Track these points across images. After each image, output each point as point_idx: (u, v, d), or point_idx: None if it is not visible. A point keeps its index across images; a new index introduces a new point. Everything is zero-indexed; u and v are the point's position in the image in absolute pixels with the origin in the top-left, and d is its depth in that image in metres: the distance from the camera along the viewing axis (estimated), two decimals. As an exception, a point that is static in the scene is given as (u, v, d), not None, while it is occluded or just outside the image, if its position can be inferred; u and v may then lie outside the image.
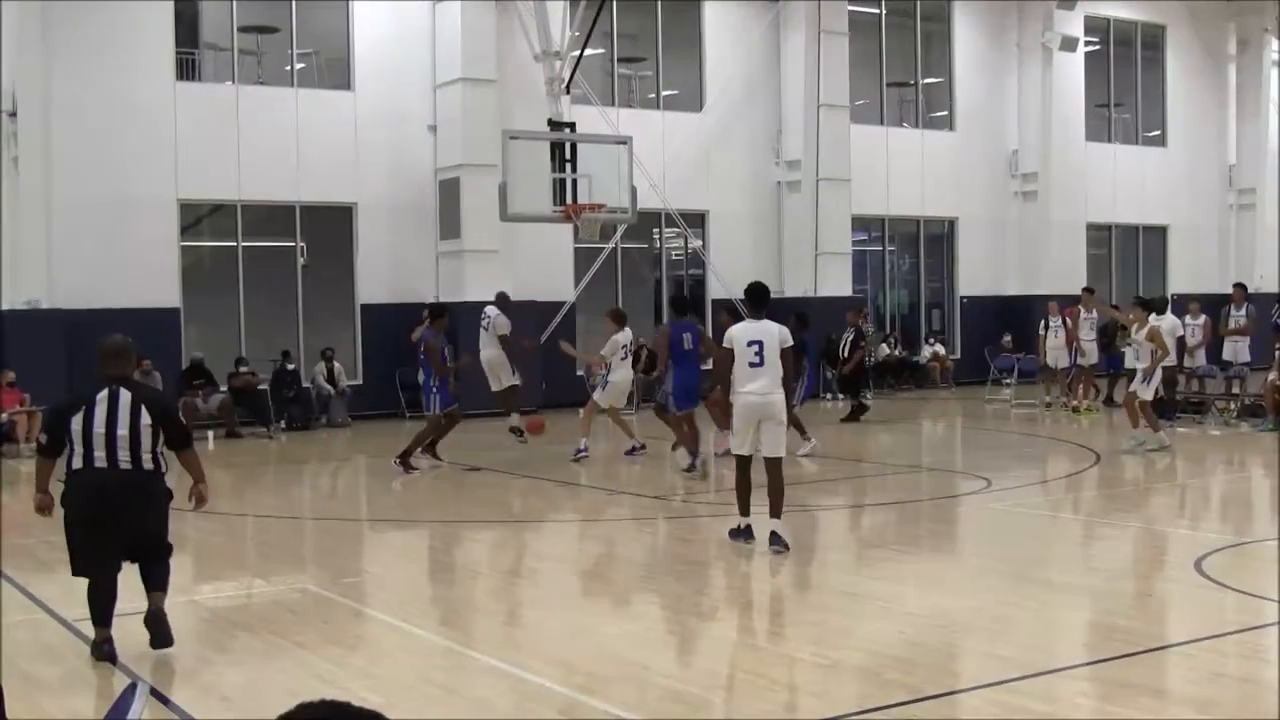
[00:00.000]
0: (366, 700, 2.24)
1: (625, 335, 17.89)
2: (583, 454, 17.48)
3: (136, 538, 8.10)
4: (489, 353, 18.66)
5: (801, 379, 18.99)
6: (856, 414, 23.12)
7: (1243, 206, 35.99)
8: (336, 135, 24.07)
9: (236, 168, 23.09)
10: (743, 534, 11.40)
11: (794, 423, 17.89)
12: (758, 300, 11.66)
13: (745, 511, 11.45)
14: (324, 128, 23.99)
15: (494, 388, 18.84)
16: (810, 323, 20.63)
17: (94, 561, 8.04)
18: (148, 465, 8.03)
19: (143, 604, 8.12)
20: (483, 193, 22.84)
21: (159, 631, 7.99)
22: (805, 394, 20.01)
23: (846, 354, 23.58)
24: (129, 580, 8.24)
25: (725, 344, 11.44)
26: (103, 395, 7.99)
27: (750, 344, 11.21)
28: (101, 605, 7.98)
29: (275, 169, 23.50)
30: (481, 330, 18.84)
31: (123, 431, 7.94)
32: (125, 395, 8.02)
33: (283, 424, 22.93)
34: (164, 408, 8.33)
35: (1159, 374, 18.23)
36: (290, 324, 24.29)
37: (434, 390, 17.17)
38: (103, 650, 7.91)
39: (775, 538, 11.03)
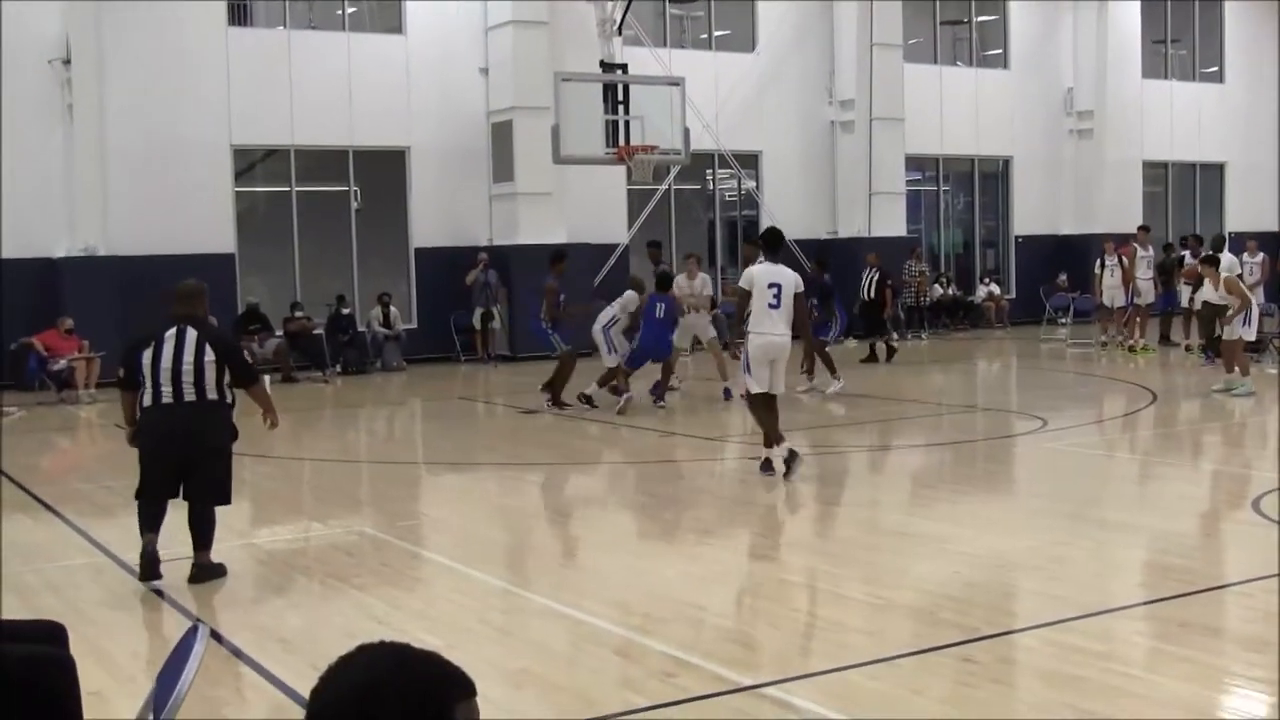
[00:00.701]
0: (424, 642, 2.27)
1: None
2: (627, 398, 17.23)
3: (196, 464, 8.42)
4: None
5: (834, 321, 19.01)
6: (877, 355, 22.81)
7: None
8: (388, 79, 24.08)
9: (289, 113, 23.15)
10: (769, 466, 11.75)
11: (825, 362, 17.94)
12: (774, 245, 11.89)
13: (777, 440, 11.68)
14: (376, 72, 23.99)
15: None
16: (830, 265, 20.43)
17: (150, 486, 8.44)
18: (211, 396, 8.33)
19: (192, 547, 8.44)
20: (535, 135, 22.79)
21: (204, 579, 8.44)
22: (839, 333, 19.95)
23: (871, 295, 23.26)
24: (177, 522, 8.41)
25: (743, 284, 11.68)
26: (170, 333, 8.34)
27: (770, 286, 11.43)
28: (150, 514, 8.36)
29: (328, 114, 23.54)
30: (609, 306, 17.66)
31: (187, 366, 8.26)
32: (191, 333, 8.35)
33: (338, 368, 23.07)
34: (227, 345, 8.65)
35: (1255, 312, 18.14)
36: (345, 269, 24.42)
37: (550, 331, 17.09)
38: (148, 555, 8.25)
39: (793, 454, 11.54)
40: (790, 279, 11.54)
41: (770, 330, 11.43)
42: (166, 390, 8.27)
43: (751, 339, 11.59)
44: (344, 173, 24.22)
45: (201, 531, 8.44)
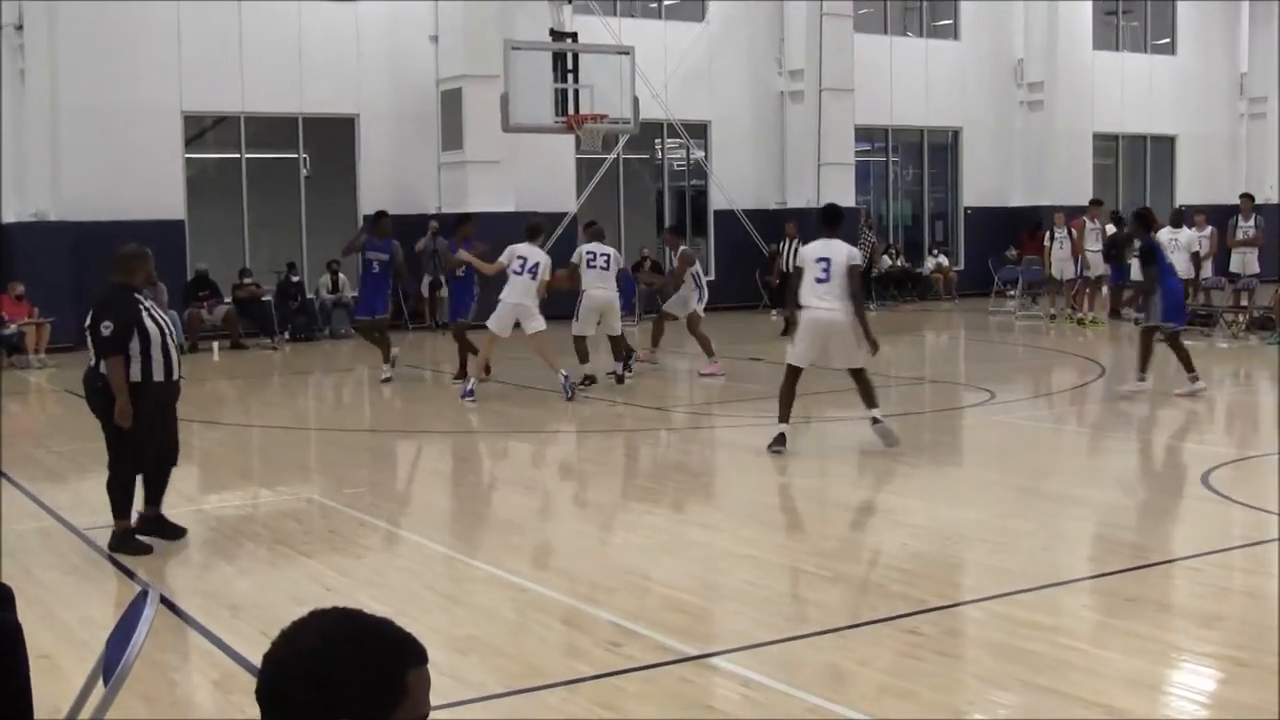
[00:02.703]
0: (371, 608, 2.24)
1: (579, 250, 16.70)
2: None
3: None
4: (601, 293, 16.27)
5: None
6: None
7: (1254, 115, 35.57)
8: (338, 46, 23.86)
9: (240, 79, 22.91)
10: (780, 441, 11.54)
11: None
12: (831, 220, 11.98)
13: (786, 418, 11.65)
14: (325, 39, 23.77)
15: (583, 331, 16.40)
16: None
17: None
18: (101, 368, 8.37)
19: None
20: (485, 103, 22.67)
21: (170, 527, 8.63)
22: None
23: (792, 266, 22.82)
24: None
25: (799, 262, 11.82)
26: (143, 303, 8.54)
27: (818, 260, 11.45)
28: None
29: (278, 80, 23.33)
30: (590, 269, 16.25)
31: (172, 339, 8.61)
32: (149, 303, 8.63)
33: (286, 335, 22.94)
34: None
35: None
36: (294, 235, 24.25)
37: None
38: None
39: (877, 421, 11.63)
40: (843, 253, 11.53)
41: (818, 304, 11.40)
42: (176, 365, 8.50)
43: (802, 314, 11.62)
44: (293, 139, 24.02)
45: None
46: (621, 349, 16.62)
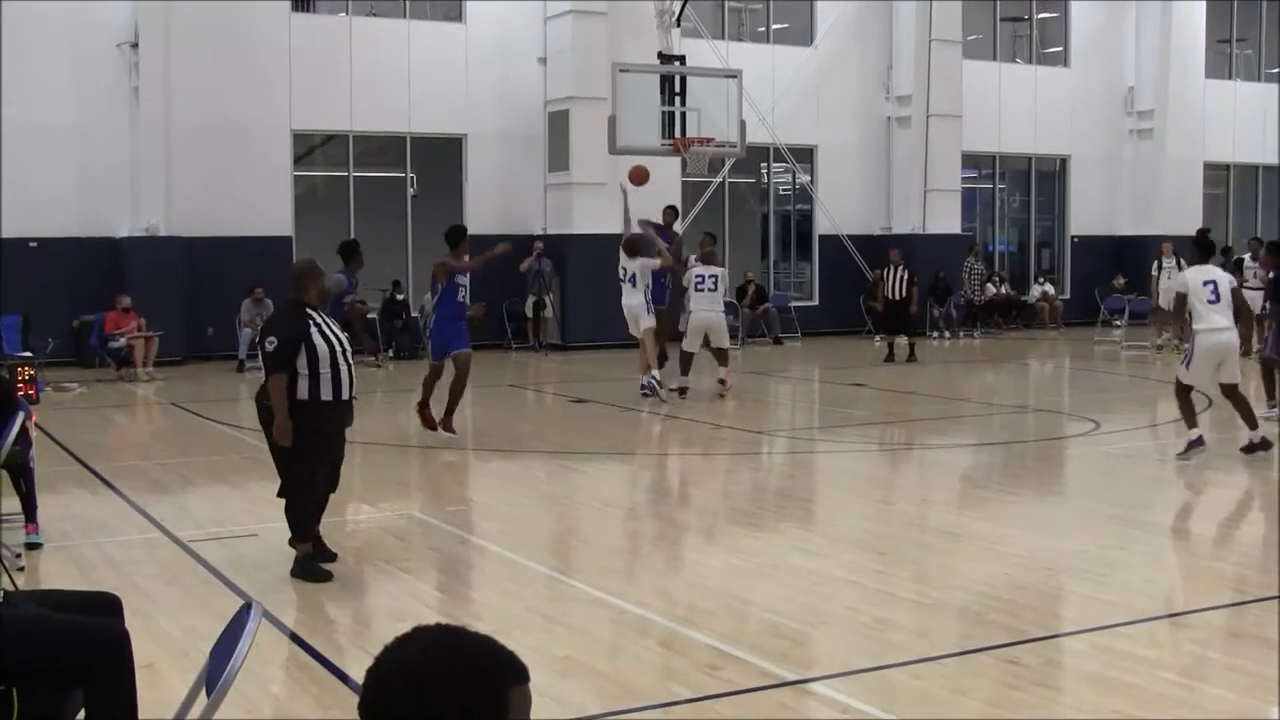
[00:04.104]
0: (474, 627, 2.29)
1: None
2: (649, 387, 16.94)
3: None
4: (708, 315, 17.24)
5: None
6: (895, 355, 22.35)
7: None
8: (447, 67, 24.20)
9: (349, 98, 23.32)
10: (1197, 444, 12.29)
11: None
12: (1205, 248, 13.15)
13: (1194, 424, 12.46)
14: (435, 59, 24.12)
15: (690, 348, 17.38)
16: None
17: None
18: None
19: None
20: (591, 125, 22.84)
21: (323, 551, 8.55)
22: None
23: (900, 293, 22.63)
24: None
25: (1178, 289, 12.54)
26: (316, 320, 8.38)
27: (1205, 284, 12.13)
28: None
29: (386, 100, 23.70)
30: (699, 292, 17.29)
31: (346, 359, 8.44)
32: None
33: (390, 352, 23.21)
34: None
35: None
36: (400, 253, 24.57)
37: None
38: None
39: (1200, 440, 12.30)
40: (1225, 276, 12.42)
41: (1218, 326, 12.06)
42: (346, 385, 8.24)
43: (1199, 338, 12.18)
44: (401, 158, 24.40)
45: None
46: (726, 359, 17.40)
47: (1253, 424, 12.45)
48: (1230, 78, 33.43)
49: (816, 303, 28.05)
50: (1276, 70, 34.40)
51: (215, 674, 3.80)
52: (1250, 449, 12.39)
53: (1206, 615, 7.62)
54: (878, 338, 24.38)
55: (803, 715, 6.03)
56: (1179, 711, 5.89)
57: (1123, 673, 6.46)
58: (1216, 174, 33.27)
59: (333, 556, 8.49)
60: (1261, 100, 33.53)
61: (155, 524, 9.87)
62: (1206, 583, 8.55)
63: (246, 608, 3.98)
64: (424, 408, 14.46)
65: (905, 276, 22.71)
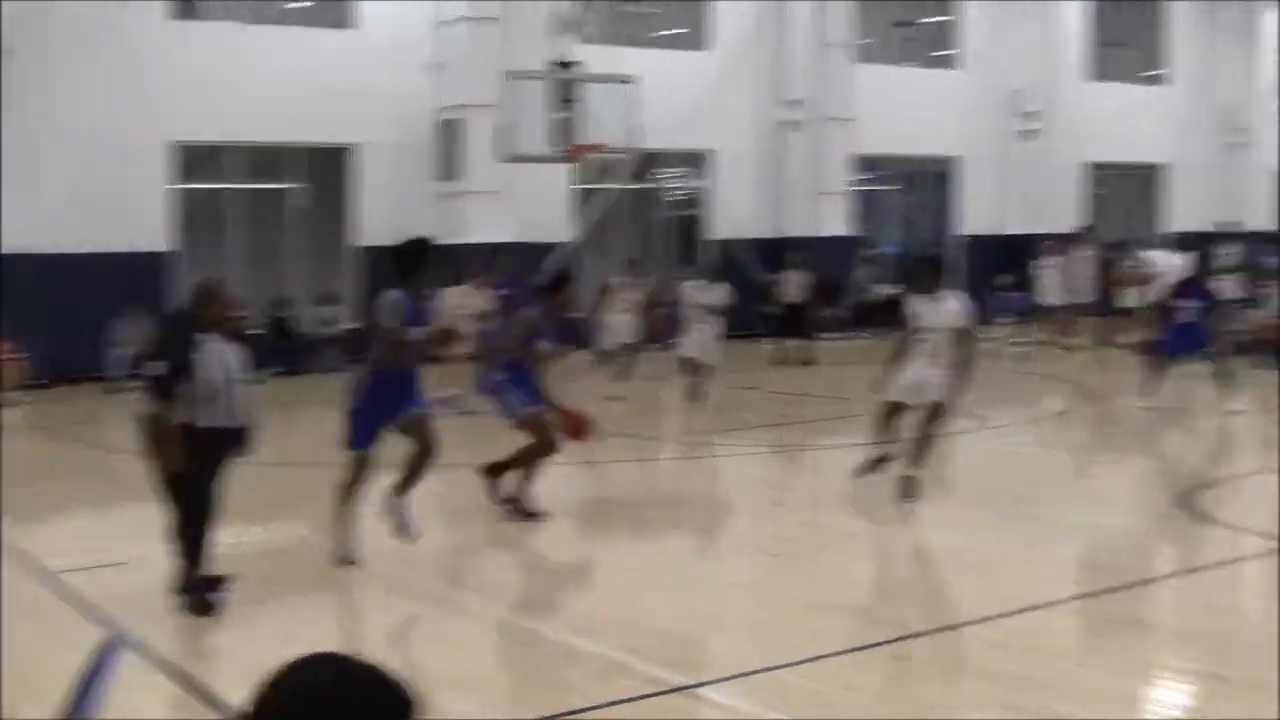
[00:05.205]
0: (364, 650, 2.31)
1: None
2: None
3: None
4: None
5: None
6: (788, 358, 22.59)
7: (1238, 145, 35.72)
8: (335, 75, 23.90)
9: (232, 108, 22.86)
10: None
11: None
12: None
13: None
14: (322, 66, 23.81)
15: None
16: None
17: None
18: None
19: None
20: (484, 133, 22.77)
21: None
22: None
23: (801, 296, 23.02)
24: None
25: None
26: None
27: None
28: None
29: (272, 109, 23.30)
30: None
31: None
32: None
33: (277, 369, 22.73)
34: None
35: None
36: (287, 267, 24.21)
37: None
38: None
39: None
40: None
41: None
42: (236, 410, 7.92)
43: None
44: (287, 170, 24.06)
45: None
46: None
47: None
48: (1111, 80, 34.13)
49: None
50: (1155, 72, 35.16)
51: (77, 713, 3.48)
52: None
53: (1085, 603, 7.83)
54: (766, 341, 24.51)
55: (694, 719, 6.11)
56: (1061, 698, 6.04)
57: (1007, 662, 6.62)
58: (1098, 173, 33.94)
59: (220, 584, 7.98)
60: (1140, 101, 34.27)
61: (20, 553, 9.23)
62: (1085, 571, 8.77)
63: (112, 641, 3.79)
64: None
65: (805, 280, 22.99)
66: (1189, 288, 16.31)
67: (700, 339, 17.13)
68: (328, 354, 23.24)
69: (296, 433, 17.71)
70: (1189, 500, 10.48)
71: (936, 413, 10.33)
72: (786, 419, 16.74)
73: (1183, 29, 35.16)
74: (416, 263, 9.33)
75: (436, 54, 24.55)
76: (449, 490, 12.54)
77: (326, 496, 12.29)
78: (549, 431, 10.40)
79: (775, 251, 25.49)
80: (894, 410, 10.60)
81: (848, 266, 28.12)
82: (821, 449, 14.14)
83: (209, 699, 6.38)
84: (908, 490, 10.34)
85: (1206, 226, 31.73)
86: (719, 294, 17.82)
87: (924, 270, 11.44)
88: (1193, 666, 6.58)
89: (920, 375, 10.34)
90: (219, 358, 7.80)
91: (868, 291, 28.76)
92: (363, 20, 24.29)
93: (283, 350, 22.78)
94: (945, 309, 10.53)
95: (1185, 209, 34.23)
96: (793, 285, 23.09)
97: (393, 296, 8.98)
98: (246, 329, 22.43)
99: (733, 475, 13.04)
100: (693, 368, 16.85)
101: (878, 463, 10.74)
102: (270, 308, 23.08)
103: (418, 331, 9.01)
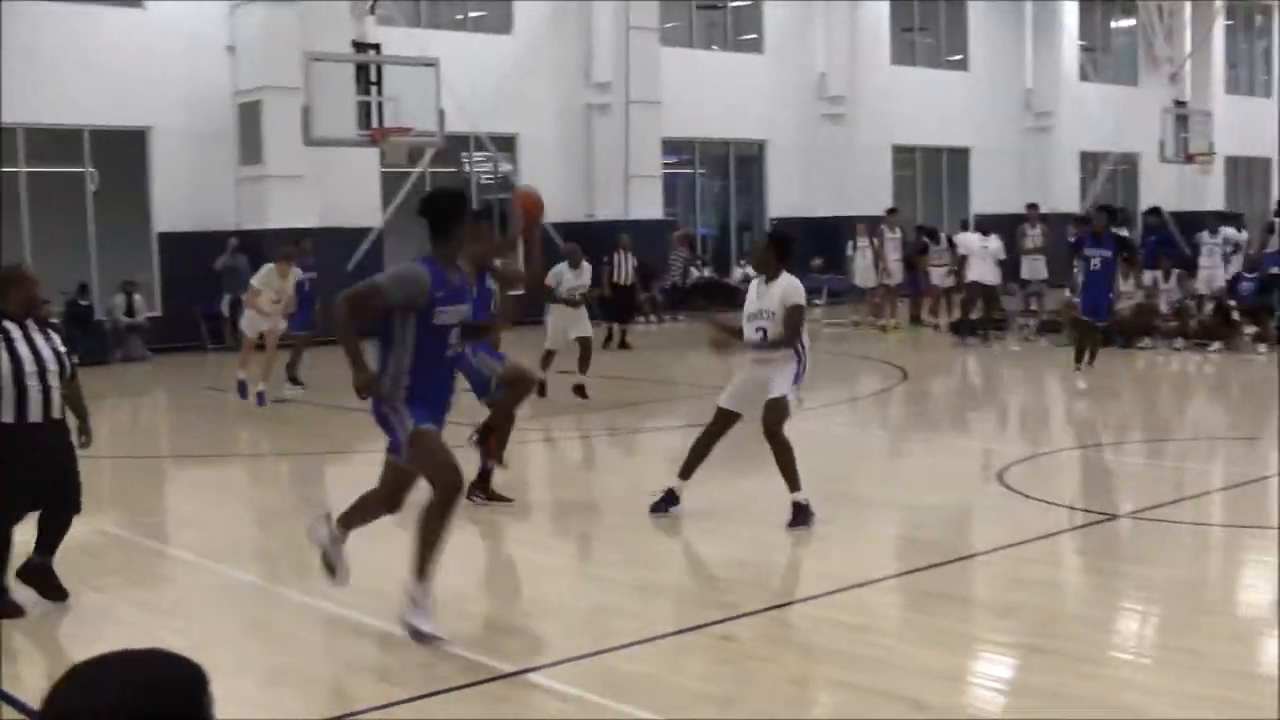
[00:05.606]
0: (173, 643, 2.07)
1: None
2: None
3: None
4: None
5: None
6: (613, 340, 22.65)
7: (1039, 129, 36.80)
8: (126, 55, 23.05)
9: (18, 89, 21.86)
10: None
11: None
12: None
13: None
14: (113, 46, 22.93)
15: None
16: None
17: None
18: None
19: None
20: (285, 116, 22.20)
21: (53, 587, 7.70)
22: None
23: (629, 279, 23.36)
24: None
25: None
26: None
27: None
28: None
29: (60, 91, 22.37)
30: None
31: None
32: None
33: (77, 359, 21.97)
34: None
35: None
36: (82, 254, 23.29)
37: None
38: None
39: None
40: None
41: None
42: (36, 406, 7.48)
43: None
44: (79, 153, 23.10)
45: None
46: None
47: None
48: (914, 64, 34.80)
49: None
50: (956, 58, 35.97)
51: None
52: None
53: (907, 578, 7.85)
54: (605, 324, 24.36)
55: (522, 706, 5.93)
56: (887, 673, 6.04)
57: (833, 640, 6.62)
58: (904, 156, 34.59)
59: (63, 595, 7.65)
60: (942, 86, 35.02)
61: None
62: (906, 548, 8.83)
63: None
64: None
65: (633, 263, 23.09)
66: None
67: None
68: (130, 342, 22.53)
69: (97, 423, 17.03)
70: (1004, 476, 10.63)
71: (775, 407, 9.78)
72: (606, 403, 16.59)
73: (983, 15, 36.01)
74: (449, 224, 7.54)
75: (233, 36, 23.90)
76: (260, 478, 12.18)
77: (130, 486, 11.95)
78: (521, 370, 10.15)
79: (586, 235, 25.35)
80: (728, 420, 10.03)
81: (660, 250, 28.17)
82: (640, 432, 14.03)
83: (11, 702, 6.04)
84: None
85: (1013, 208, 32.50)
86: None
87: (772, 249, 10.59)
88: (1013, 640, 6.64)
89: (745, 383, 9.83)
90: (26, 348, 7.35)
91: (680, 274, 28.88)
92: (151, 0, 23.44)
93: (82, 339, 21.99)
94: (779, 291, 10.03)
95: (993, 192, 35.07)
96: (622, 268, 23.18)
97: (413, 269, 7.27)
98: (48, 316, 21.66)
99: (552, 459, 12.84)
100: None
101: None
102: (70, 295, 22.18)
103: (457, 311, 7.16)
